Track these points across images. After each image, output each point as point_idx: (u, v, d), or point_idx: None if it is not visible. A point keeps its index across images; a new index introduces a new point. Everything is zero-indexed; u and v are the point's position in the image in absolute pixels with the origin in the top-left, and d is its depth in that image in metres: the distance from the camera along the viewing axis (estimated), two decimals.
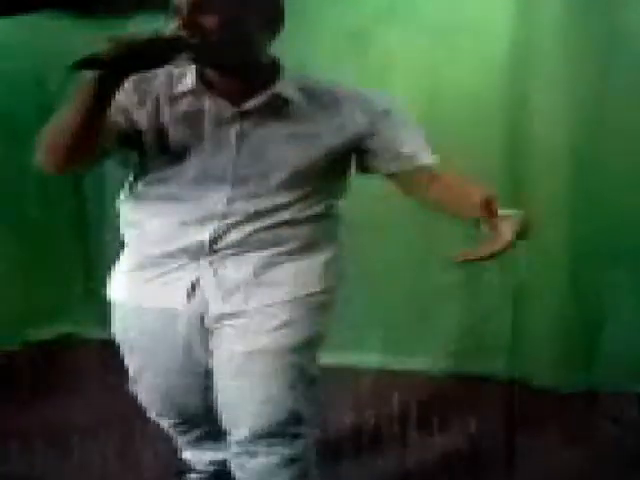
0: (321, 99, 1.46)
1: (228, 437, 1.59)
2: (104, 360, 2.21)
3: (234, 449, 1.58)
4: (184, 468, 1.97)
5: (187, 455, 1.93)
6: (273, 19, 1.40)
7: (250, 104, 1.41)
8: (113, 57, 1.19)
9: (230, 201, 1.44)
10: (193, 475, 1.95)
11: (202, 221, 1.45)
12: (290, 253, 1.50)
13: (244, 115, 1.41)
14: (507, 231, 1.25)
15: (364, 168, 1.54)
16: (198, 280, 1.49)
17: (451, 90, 2.65)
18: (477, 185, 1.41)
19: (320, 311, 1.55)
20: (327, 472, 1.77)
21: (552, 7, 2.48)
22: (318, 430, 1.65)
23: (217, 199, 1.44)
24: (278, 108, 1.43)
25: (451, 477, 2.14)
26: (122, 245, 1.61)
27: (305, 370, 1.52)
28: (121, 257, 1.62)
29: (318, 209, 1.51)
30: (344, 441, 2.29)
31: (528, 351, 2.70)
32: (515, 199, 2.42)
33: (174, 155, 1.44)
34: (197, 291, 1.50)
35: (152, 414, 1.77)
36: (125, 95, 1.40)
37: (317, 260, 1.54)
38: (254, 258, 1.48)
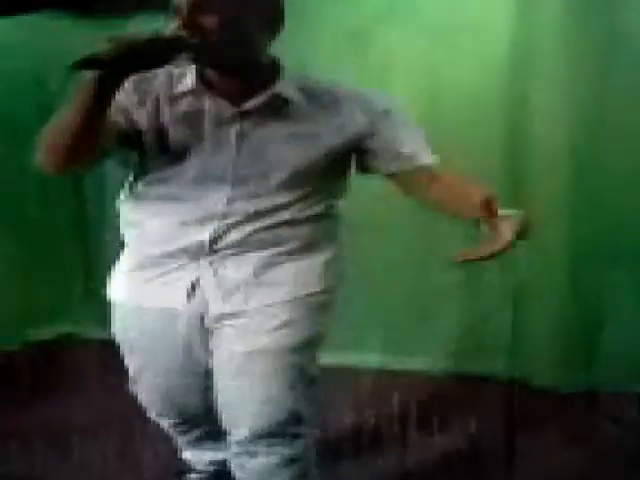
0: (321, 99, 1.46)
1: (228, 437, 1.59)
2: (104, 360, 2.21)
3: (234, 449, 1.58)
4: (184, 468, 1.97)
5: (187, 455, 1.93)
6: (273, 19, 1.40)
7: (250, 104, 1.41)
8: (113, 57, 1.19)
9: (230, 201, 1.44)
10: (193, 475, 1.95)
11: (202, 221, 1.45)
12: (290, 253, 1.50)
13: (244, 115, 1.41)
14: (507, 231, 1.25)
15: (364, 168, 1.54)
16: (198, 280, 1.49)
17: (451, 90, 2.65)
18: (477, 185, 1.41)
19: (320, 311, 1.55)
20: (327, 472, 1.77)
21: (552, 7, 2.48)
22: (318, 430, 1.65)
23: (217, 199, 1.44)
24: (278, 108, 1.43)
25: (451, 477, 2.14)
26: (122, 245, 1.61)
27: (305, 370, 1.52)
28: (121, 257, 1.62)
29: (318, 209, 1.51)
30: (344, 441, 2.29)
31: (528, 351, 2.70)
32: (515, 199, 2.42)
33: (174, 155, 1.44)
34: (197, 291, 1.50)
35: (152, 414, 1.77)
36: (125, 95, 1.40)
37: (317, 260, 1.54)
38: (254, 258, 1.48)
